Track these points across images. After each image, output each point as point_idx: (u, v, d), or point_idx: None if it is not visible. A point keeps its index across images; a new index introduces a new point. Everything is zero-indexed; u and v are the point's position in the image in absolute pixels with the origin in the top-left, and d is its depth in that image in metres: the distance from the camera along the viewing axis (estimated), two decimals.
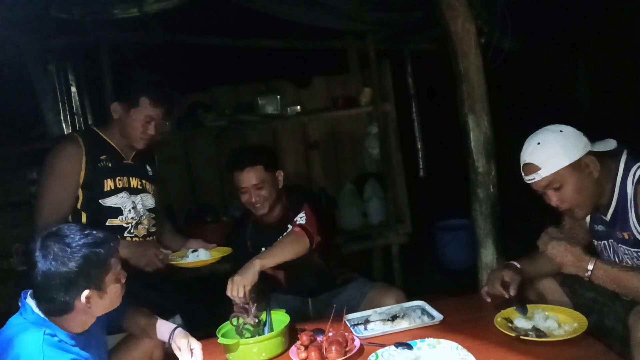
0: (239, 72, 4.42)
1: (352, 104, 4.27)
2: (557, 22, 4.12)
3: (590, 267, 1.91)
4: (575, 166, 1.92)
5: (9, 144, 3.79)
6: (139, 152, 2.45)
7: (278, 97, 4.19)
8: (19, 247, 3.73)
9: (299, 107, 4.24)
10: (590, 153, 1.94)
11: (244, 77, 4.41)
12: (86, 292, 1.58)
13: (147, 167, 2.53)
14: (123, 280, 1.72)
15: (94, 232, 1.64)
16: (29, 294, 1.66)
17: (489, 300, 2.18)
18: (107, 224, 2.33)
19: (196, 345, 1.96)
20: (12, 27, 3.02)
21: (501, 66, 3.21)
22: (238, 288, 2.11)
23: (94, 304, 1.62)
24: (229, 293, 2.14)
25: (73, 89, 3.83)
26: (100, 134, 2.40)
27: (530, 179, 1.99)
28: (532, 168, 1.98)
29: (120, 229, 2.35)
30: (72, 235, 1.61)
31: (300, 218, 2.43)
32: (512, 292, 2.07)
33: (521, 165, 2.02)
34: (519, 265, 2.18)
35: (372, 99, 4.20)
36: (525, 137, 2.05)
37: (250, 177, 2.46)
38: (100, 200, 2.32)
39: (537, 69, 4.79)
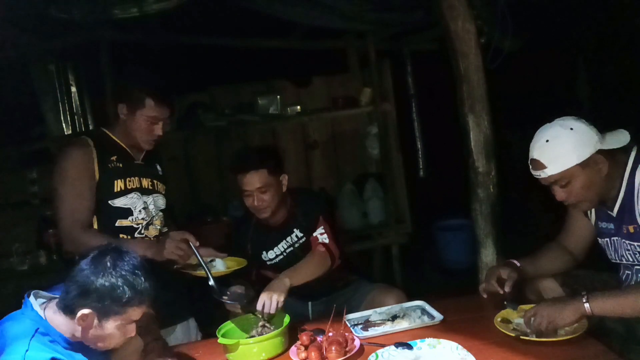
0: (239, 72, 4.42)
1: (352, 104, 4.27)
2: (557, 22, 4.12)
3: (584, 300, 1.83)
4: (584, 165, 1.90)
5: (9, 144, 3.79)
6: (148, 152, 2.44)
7: (278, 97, 4.18)
8: (19, 247, 3.73)
9: (299, 107, 4.24)
10: (600, 151, 1.91)
11: (244, 77, 4.41)
12: (86, 311, 1.58)
13: (157, 166, 2.53)
14: (127, 336, 1.68)
15: (142, 278, 1.62)
16: (32, 293, 1.67)
17: (485, 296, 2.18)
18: (116, 224, 2.32)
19: None
20: (12, 27, 3.02)
21: (501, 66, 3.20)
22: (271, 303, 2.13)
23: (88, 327, 1.61)
24: (261, 308, 2.13)
25: (73, 89, 3.82)
26: (110, 135, 2.39)
27: (537, 175, 1.98)
28: (538, 164, 1.95)
29: (131, 230, 2.34)
30: (126, 262, 1.62)
31: (321, 235, 2.45)
32: (507, 289, 2.07)
33: (529, 157, 2.00)
34: (518, 264, 2.17)
35: (372, 99, 4.20)
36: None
37: (254, 181, 2.42)
38: (109, 201, 2.31)
39: (537, 69, 4.78)
